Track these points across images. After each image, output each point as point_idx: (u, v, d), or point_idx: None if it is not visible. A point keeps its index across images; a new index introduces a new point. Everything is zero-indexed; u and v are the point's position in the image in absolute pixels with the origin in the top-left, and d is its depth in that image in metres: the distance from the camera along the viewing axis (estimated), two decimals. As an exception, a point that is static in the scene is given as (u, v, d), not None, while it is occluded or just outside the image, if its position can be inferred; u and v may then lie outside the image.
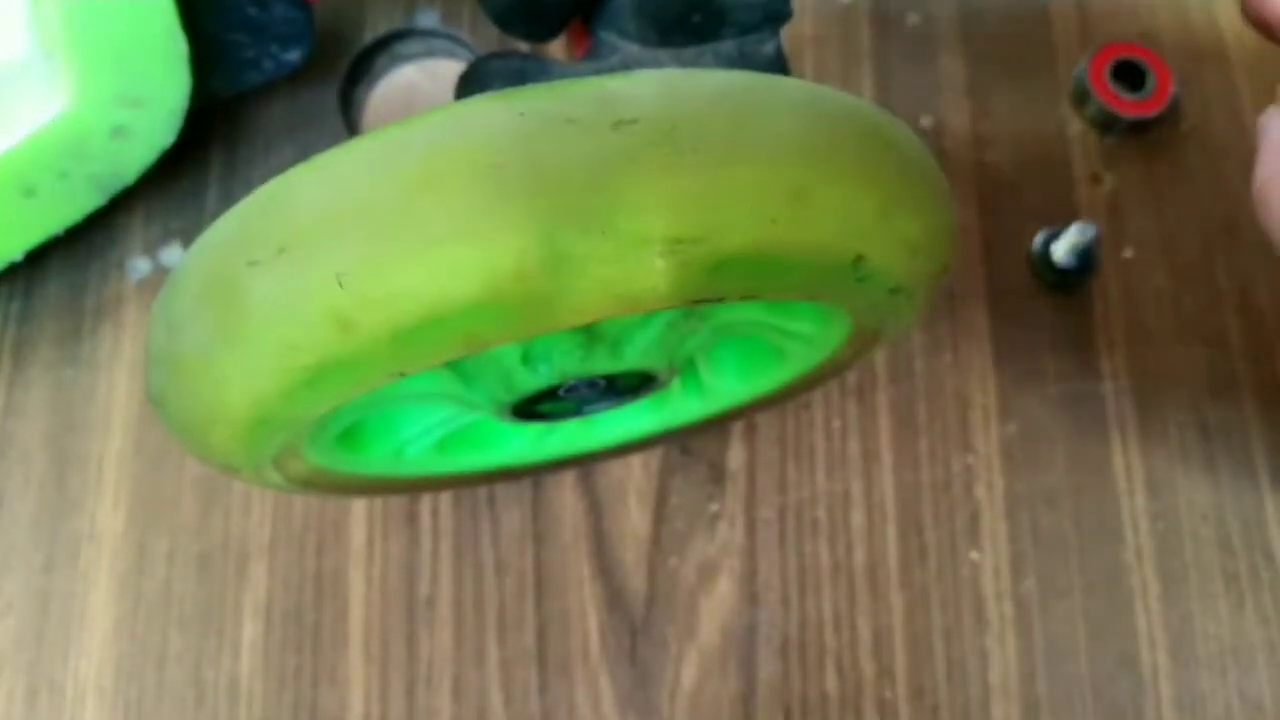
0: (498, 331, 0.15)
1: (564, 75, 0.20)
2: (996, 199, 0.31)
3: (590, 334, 0.19)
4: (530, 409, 0.21)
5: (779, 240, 0.15)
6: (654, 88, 0.15)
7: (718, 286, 0.15)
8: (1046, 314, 0.30)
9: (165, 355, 0.17)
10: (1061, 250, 0.29)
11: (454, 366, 0.19)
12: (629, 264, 0.14)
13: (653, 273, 0.14)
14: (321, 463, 0.20)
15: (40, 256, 0.28)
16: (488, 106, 0.14)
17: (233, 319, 0.15)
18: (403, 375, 0.15)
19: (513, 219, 0.14)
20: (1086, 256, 0.29)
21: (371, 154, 0.14)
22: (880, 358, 0.29)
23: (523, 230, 0.14)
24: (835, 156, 0.15)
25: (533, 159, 0.14)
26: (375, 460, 0.23)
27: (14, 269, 0.28)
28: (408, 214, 0.14)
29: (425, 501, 0.28)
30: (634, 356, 0.19)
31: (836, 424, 0.29)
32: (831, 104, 0.16)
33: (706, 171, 0.14)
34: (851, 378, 0.29)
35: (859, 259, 0.16)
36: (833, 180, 0.15)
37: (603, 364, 0.19)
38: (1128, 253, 0.30)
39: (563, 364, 0.19)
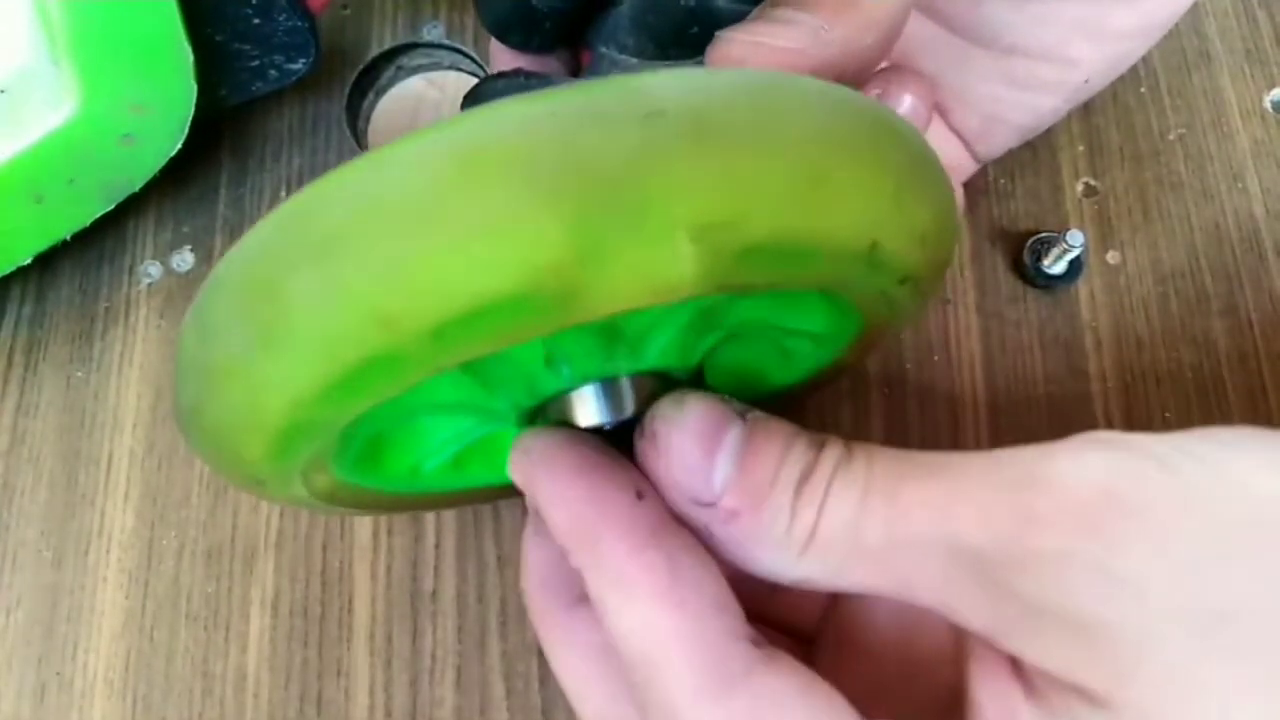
0: (535, 322, 0.15)
1: None
2: (987, 206, 0.31)
3: (612, 335, 0.19)
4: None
5: (801, 225, 0.15)
6: (679, 82, 0.15)
7: (744, 273, 0.15)
8: (1035, 317, 0.30)
9: (198, 365, 0.17)
10: (1051, 257, 0.30)
11: (478, 374, 0.20)
12: (660, 250, 0.14)
13: (683, 259, 0.14)
14: (344, 478, 0.21)
15: (52, 260, 0.29)
16: (519, 106, 0.15)
17: (272, 321, 0.15)
18: (440, 370, 0.15)
19: (547, 211, 0.14)
20: (1075, 263, 0.30)
21: (405, 155, 0.15)
22: (872, 361, 0.30)
23: (556, 221, 0.14)
24: (851, 143, 0.16)
25: (565, 152, 0.14)
26: (394, 477, 0.23)
27: (26, 272, 0.29)
28: (444, 210, 0.14)
29: (429, 499, 0.29)
30: (653, 356, 0.19)
31: (830, 425, 0.29)
32: (842, 96, 0.16)
33: (732, 159, 0.14)
34: (844, 380, 0.30)
35: (874, 245, 0.16)
36: (849, 166, 0.15)
37: (623, 364, 0.19)
38: (1115, 258, 0.31)
39: (585, 365, 0.19)
